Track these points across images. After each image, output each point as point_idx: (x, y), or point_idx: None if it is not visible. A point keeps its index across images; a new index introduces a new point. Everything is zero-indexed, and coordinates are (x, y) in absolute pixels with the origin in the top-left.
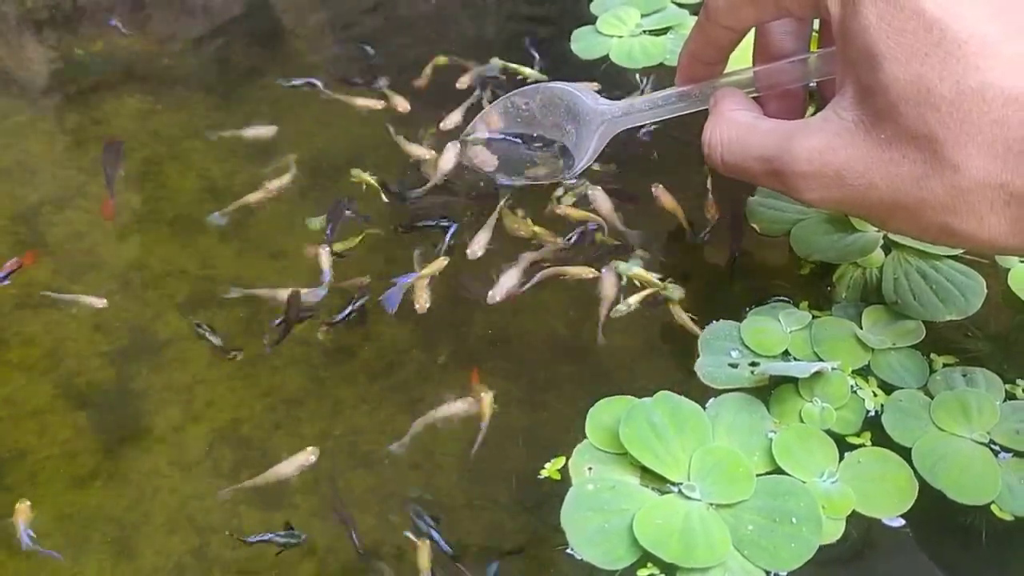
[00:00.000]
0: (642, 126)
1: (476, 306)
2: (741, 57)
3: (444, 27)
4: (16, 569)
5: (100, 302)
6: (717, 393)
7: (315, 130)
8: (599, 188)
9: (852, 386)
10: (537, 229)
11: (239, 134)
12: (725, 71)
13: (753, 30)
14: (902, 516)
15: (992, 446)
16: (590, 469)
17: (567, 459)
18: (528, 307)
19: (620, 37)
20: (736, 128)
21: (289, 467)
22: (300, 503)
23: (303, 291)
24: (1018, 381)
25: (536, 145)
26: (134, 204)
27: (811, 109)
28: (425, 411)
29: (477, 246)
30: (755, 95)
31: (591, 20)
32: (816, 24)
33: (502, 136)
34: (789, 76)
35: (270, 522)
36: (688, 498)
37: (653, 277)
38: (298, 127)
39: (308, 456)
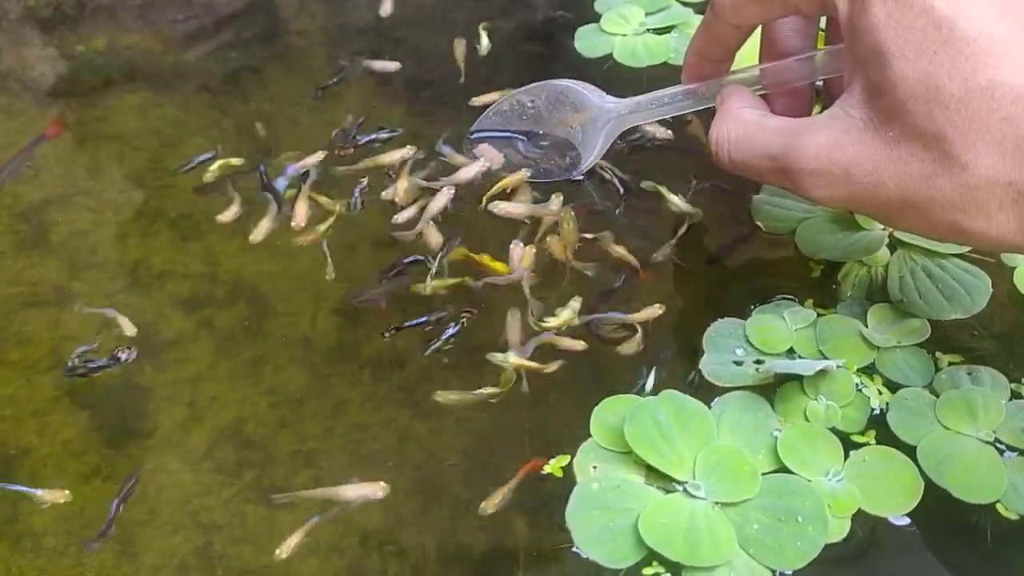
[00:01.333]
0: None
1: (478, 306)
2: (748, 54)
3: (445, 23)
4: (20, 567)
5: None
6: (722, 391)
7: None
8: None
9: (857, 384)
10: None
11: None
12: (731, 68)
13: (759, 27)
14: (908, 515)
15: (997, 445)
16: (595, 468)
17: (572, 458)
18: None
19: (624, 35)
20: (743, 126)
21: (353, 492)
22: (300, 501)
23: None
24: (1023, 380)
25: (542, 143)
26: (137, 202)
27: (817, 108)
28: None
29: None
30: (762, 92)
31: (595, 18)
32: (823, 22)
33: (508, 134)
34: (796, 73)
35: (273, 519)
36: (693, 497)
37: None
38: (297, 127)
39: (376, 491)
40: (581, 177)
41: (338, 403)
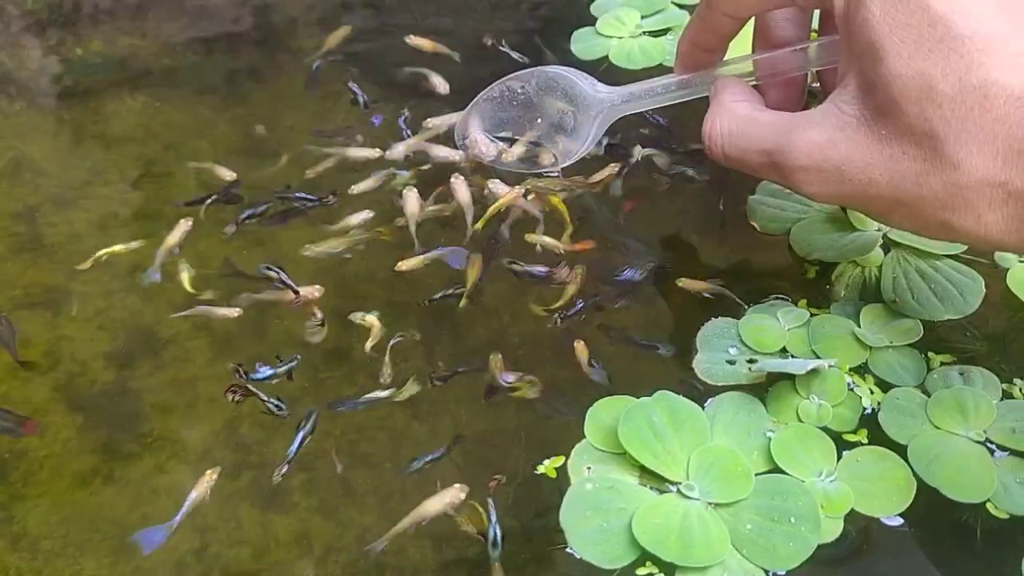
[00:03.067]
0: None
1: (475, 307)
2: (740, 44)
3: (443, 27)
4: (18, 567)
5: (234, 312)
6: (715, 392)
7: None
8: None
9: (849, 384)
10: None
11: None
12: (724, 59)
13: (753, 17)
14: (900, 515)
15: (988, 444)
16: (589, 468)
17: (566, 459)
18: (528, 308)
19: (620, 38)
20: (737, 120)
21: (437, 504)
22: (299, 502)
23: None
24: (1015, 380)
25: (533, 132)
26: (134, 204)
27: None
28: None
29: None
30: (755, 83)
31: (591, 21)
32: (816, 15)
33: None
34: (789, 64)
35: (269, 523)
36: (687, 497)
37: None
38: (295, 126)
39: (458, 494)
40: (557, 173)
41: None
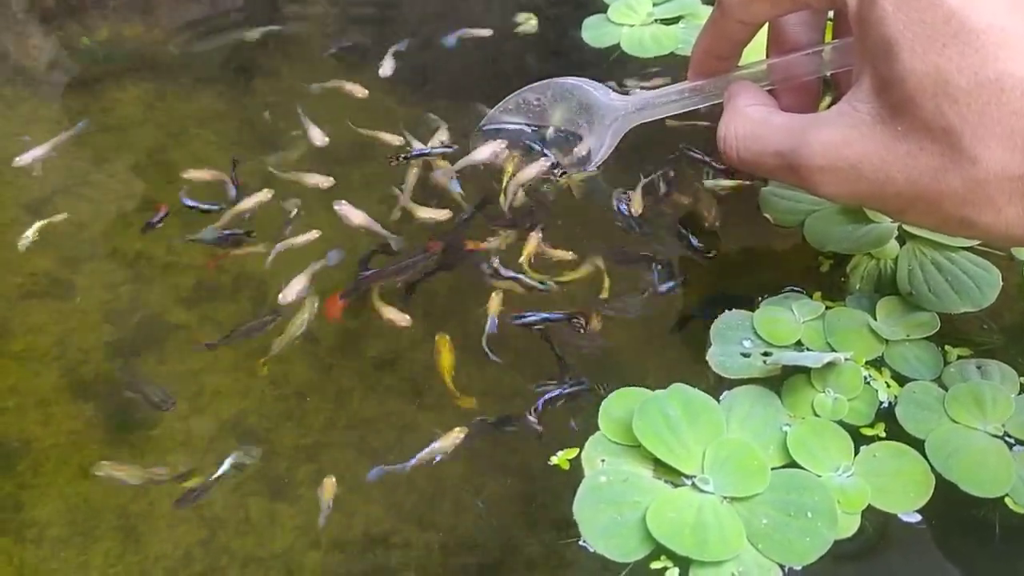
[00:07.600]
0: None
1: (484, 299)
2: (754, 49)
3: (452, 15)
4: (22, 558)
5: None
6: (731, 385)
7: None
8: None
9: (865, 377)
10: None
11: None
12: (738, 64)
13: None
14: (918, 511)
15: (1006, 439)
16: (603, 461)
17: (580, 451)
18: (537, 302)
19: (631, 26)
20: (751, 124)
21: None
22: (304, 494)
23: None
24: None
25: (552, 138)
26: (140, 194)
27: (827, 99)
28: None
29: None
30: (769, 88)
31: (602, 8)
32: (831, 14)
33: (516, 125)
34: (804, 68)
35: (275, 512)
36: (702, 491)
37: None
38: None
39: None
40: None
41: (340, 395)
